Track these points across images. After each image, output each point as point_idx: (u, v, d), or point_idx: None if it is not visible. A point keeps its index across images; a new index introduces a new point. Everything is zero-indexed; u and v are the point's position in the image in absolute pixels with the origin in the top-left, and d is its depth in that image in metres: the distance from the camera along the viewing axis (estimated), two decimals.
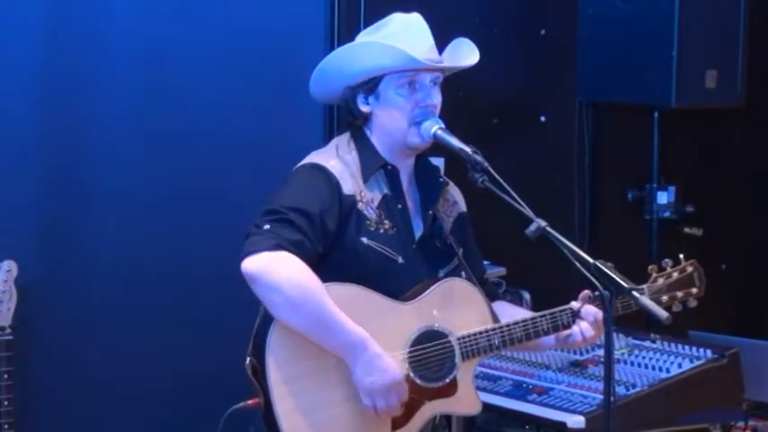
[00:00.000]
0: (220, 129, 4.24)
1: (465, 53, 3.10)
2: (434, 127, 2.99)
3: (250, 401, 2.89)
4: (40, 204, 4.01)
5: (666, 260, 3.20)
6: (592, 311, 3.07)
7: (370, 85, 3.02)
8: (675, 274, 3.19)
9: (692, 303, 3.20)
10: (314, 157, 3.05)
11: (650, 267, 3.19)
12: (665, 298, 3.16)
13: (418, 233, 3.08)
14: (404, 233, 3.05)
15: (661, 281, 3.17)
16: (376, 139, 3.06)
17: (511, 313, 3.16)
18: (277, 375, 2.84)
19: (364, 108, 3.05)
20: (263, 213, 2.90)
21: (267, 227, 2.85)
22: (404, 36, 3.01)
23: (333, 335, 2.85)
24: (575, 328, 3.07)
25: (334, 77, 3.06)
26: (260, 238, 2.83)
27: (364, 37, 3.10)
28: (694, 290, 3.20)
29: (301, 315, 2.83)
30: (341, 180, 2.97)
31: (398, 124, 3.02)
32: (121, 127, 4.12)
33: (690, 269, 3.21)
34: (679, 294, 3.18)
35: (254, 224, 2.88)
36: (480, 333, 3.01)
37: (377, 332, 2.89)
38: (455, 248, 3.11)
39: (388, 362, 2.88)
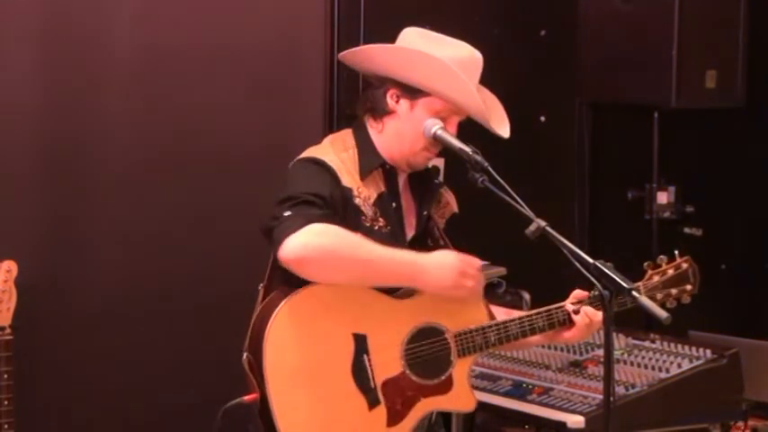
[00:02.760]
0: (220, 130, 4.24)
1: (500, 121, 3.11)
2: (434, 127, 2.99)
3: (246, 397, 2.89)
4: (40, 204, 4.01)
5: (662, 256, 3.20)
6: (588, 312, 3.08)
7: (414, 93, 3.00)
8: (671, 271, 3.19)
9: (686, 300, 3.21)
10: (309, 153, 3.04)
11: (646, 264, 3.19)
12: (659, 296, 3.17)
13: (410, 233, 3.09)
14: (396, 232, 3.05)
15: (656, 278, 3.17)
16: (382, 140, 3.05)
17: (503, 313, 3.16)
18: (274, 372, 2.84)
19: (392, 105, 3.02)
20: (279, 204, 2.87)
21: (288, 213, 2.83)
22: (465, 71, 2.97)
23: (390, 275, 2.90)
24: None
25: (388, 65, 3.01)
26: (286, 224, 2.81)
27: (423, 43, 3.01)
28: (689, 287, 3.21)
29: (356, 271, 2.86)
30: (339, 172, 2.96)
31: (413, 143, 3.01)
32: (121, 127, 4.11)
33: (685, 266, 3.21)
34: (674, 291, 3.19)
35: (273, 216, 2.86)
36: (476, 330, 3.01)
37: (373, 329, 2.91)
38: (451, 248, 3.09)
39: (440, 259, 2.93)
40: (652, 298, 3.13)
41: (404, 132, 3.02)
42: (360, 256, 2.85)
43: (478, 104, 2.99)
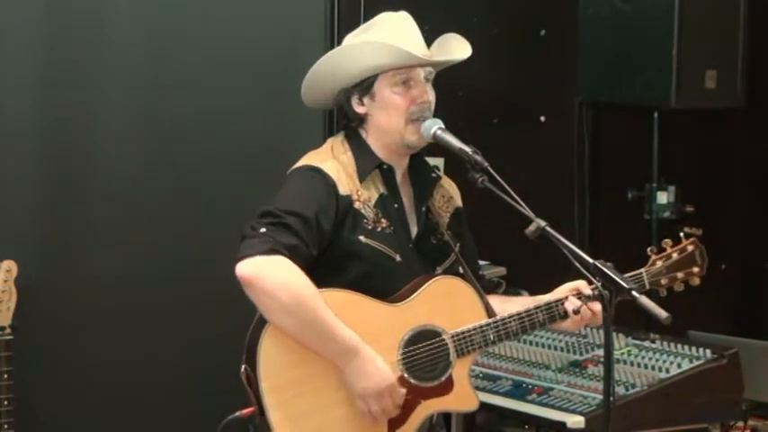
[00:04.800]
0: (220, 129, 4.23)
1: (456, 47, 3.09)
2: (434, 127, 2.99)
3: (245, 411, 2.87)
4: (39, 204, 4.01)
5: (667, 240, 3.17)
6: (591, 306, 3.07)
7: (365, 86, 3.02)
8: (675, 255, 3.15)
9: (695, 282, 3.16)
10: (309, 159, 3.05)
11: (649, 249, 3.16)
12: (664, 281, 3.12)
13: (414, 231, 3.08)
14: (400, 232, 3.04)
15: (660, 263, 3.14)
16: (372, 140, 3.06)
17: (508, 301, 3.16)
18: (269, 384, 2.83)
19: (360, 109, 3.05)
20: (260, 216, 2.89)
21: (263, 230, 2.84)
22: (395, 34, 3.01)
23: (325, 340, 2.85)
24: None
25: (327, 81, 3.05)
26: (255, 242, 2.82)
27: (352, 39, 3.09)
28: (696, 269, 3.15)
29: (294, 320, 2.82)
30: (337, 181, 2.97)
31: (395, 123, 3.01)
32: (121, 127, 4.11)
33: (691, 248, 3.17)
34: (679, 275, 3.14)
35: (251, 226, 2.87)
36: (474, 329, 3.00)
37: (370, 336, 2.88)
38: (452, 244, 3.10)
39: (380, 366, 2.88)
40: (656, 284, 3.11)
41: (382, 121, 3.03)
42: (302, 310, 2.81)
43: (412, 54, 2.96)
